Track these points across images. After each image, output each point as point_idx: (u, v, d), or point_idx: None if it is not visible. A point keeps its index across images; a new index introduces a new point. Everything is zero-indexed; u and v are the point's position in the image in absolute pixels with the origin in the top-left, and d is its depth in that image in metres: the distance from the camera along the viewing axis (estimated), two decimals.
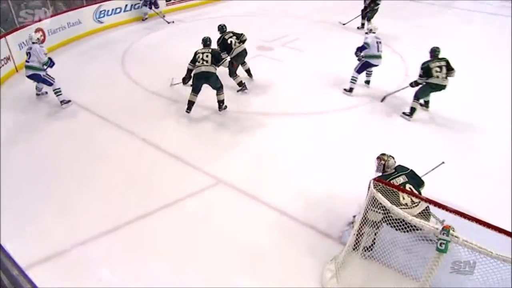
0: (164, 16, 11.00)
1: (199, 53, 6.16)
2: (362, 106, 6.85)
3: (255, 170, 5.13)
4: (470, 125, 6.26)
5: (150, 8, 10.85)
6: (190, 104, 6.28)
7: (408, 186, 3.75)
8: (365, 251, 3.75)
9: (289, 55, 8.87)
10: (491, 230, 2.87)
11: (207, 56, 6.09)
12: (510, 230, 2.81)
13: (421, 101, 6.56)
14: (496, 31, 11.27)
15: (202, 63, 6.07)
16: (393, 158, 4.00)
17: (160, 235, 4.11)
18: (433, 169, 4.27)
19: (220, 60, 6.23)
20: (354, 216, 4.13)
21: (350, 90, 7.22)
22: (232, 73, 7.02)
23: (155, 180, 4.91)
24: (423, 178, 3.95)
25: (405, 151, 4.53)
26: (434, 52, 6.29)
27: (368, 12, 10.25)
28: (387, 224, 3.49)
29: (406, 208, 3.50)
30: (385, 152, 4.04)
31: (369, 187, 3.35)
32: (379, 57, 6.96)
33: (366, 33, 7.19)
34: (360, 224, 3.59)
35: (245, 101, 6.92)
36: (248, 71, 7.56)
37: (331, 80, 7.70)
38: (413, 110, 6.45)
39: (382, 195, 3.34)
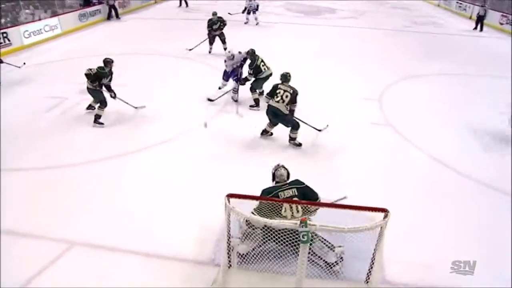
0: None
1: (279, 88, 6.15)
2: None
3: (109, 220, 4.70)
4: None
5: None
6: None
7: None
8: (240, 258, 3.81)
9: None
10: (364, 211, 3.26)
11: (286, 96, 6.07)
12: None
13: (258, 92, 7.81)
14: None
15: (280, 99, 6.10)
16: (286, 169, 4.18)
17: None
18: (336, 201, 4.39)
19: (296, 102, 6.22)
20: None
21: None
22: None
23: None
24: None
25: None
26: (252, 53, 7.61)
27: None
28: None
29: (282, 218, 3.71)
30: (279, 163, 4.24)
31: (225, 204, 3.39)
32: None
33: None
34: (227, 239, 3.63)
35: (76, 147, 6.37)
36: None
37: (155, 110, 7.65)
38: (257, 101, 7.68)
39: (264, 207, 3.67)
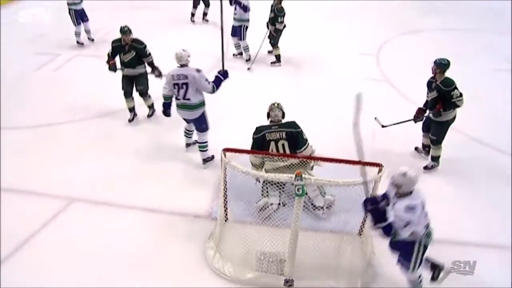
0: None
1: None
2: None
3: (109, 177, 4.75)
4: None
5: None
6: None
7: (281, 143, 3.95)
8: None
9: None
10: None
11: None
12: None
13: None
14: None
15: None
16: (281, 110, 4.11)
17: (23, 276, 3.57)
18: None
19: None
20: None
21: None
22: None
23: None
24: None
25: None
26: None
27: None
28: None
29: (272, 161, 3.87)
30: (275, 102, 4.18)
31: (221, 158, 3.43)
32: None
33: None
34: (224, 194, 3.70)
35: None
36: None
37: None
38: (279, 56, 7.46)
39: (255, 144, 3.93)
